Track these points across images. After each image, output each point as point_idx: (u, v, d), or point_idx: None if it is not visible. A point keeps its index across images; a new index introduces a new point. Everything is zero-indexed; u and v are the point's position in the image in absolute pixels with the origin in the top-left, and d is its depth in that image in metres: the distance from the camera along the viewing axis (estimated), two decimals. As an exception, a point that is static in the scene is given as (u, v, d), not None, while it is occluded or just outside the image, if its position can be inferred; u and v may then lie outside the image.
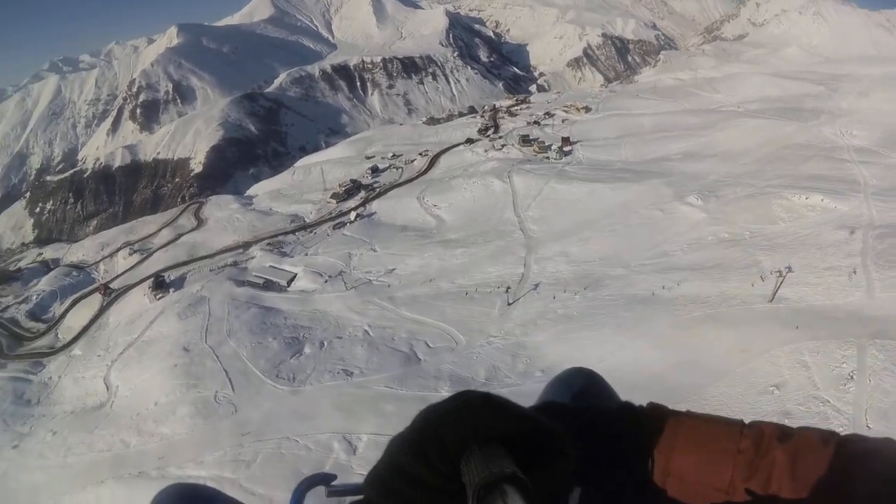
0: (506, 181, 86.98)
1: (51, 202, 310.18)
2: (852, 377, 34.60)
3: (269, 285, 73.00)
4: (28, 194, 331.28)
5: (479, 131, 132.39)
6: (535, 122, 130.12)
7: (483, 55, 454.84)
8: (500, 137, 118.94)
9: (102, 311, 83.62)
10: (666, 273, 55.95)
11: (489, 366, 45.88)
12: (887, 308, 41.53)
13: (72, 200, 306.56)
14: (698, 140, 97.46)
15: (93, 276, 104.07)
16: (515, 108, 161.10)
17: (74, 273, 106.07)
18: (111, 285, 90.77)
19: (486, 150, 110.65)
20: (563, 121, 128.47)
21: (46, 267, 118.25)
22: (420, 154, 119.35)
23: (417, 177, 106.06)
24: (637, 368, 38.08)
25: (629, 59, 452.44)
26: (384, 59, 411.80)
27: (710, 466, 1.45)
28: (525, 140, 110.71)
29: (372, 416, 42.23)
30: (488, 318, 54.46)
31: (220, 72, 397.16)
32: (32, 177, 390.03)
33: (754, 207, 66.31)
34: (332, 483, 1.92)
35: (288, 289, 71.78)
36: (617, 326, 46.36)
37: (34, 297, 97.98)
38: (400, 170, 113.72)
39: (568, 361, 44.16)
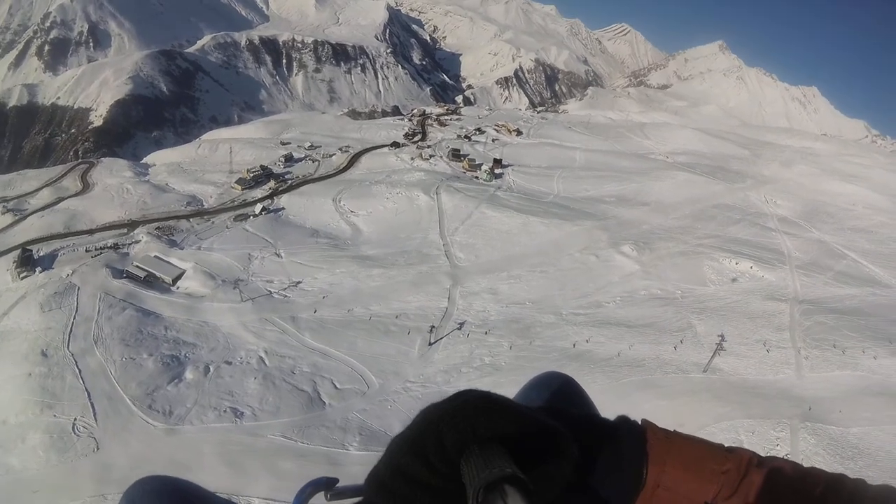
0: (433, 197, 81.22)
1: None
2: (786, 461, 34.19)
3: (150, 281, 63.31)
4: None
5: (406, 136, 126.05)
6: (466, 137, 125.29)
7: (416, 57, 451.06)
8: (429, 147, 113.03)
9: None
10: (599, 327, 53.07)
11: (406, 419, 38.43)
12: (815, 388, 42.48)
13: None
14: (631, 185, 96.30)
15: None
16: (446, 117, 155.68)
17: None
18: None
19: (412, 158, 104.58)
20: (493, 140, 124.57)
21: None
22: (340, 149, 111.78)
23: (335, 174, 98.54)
24: (567, 439, 33.49)
25: (556, 87, 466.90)
26: (315, 41, 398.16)
27: (698, 483, 1.58)
28: (456, 155, 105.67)
29: (265, 474, 35.50)
30: (406, 358, 48.67)
31: (142, 22, 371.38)
32: None
33: (686, 266, 65.53)
34: (334, 486, 1.97)
35: (173, 288, 62.23)
36: (548, 385, 41.78)
37: None
38: (316, 163, 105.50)
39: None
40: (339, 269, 64.37)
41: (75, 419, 42.12)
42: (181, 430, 40.35)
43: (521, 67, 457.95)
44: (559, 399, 2.28)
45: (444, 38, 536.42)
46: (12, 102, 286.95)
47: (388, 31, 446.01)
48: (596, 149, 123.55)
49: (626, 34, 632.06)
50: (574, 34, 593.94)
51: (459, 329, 52.52)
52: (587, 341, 49.76)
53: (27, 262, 69.56)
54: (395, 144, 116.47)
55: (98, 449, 39.24)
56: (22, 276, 67.12)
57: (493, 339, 50.69)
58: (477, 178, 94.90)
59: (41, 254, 72.57)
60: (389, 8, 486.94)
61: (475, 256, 67.30)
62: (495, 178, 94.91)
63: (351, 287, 60.81)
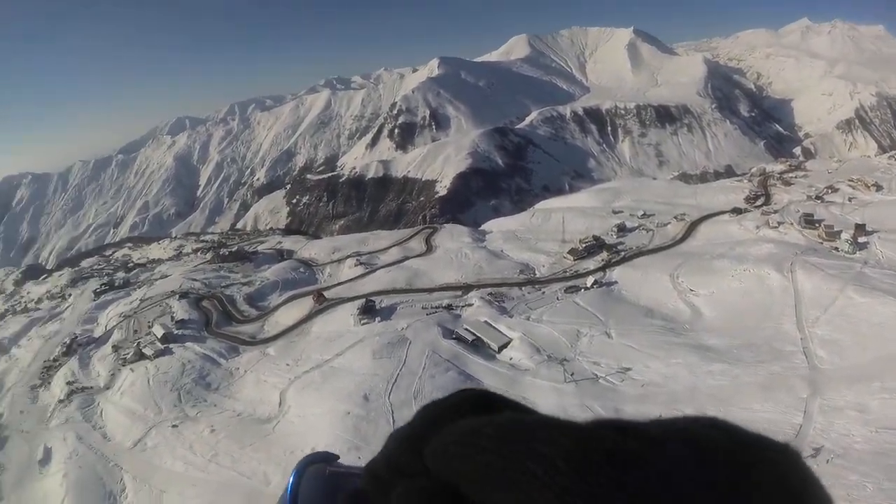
0: (787, 276, 67.31)
1: (307, 197, 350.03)
2: None
3: (477, 345, 64.50)
4: (289, 186, 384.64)
5: (747, 199, 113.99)
6: (817, 198, 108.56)
7: (743, 109, 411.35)
8: (775, 212, 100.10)
9: (310, 317, 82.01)
10: None
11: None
12: None
13: (325, 199, 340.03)
14: None
15: (317, 276, 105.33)
16: (789, 175, 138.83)
17: (301, 269, 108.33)
18: (326, 293, 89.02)
19: (757, 226, 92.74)
20: (849, 199, 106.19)
21: (280, 256, 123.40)
22: (675, 217, 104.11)
23: (671, 246, 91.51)
24: None
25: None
26: (637, 106, 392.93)
27: None
28: (808, 220, 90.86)
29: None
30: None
31: (475, 104, 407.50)
32: (295, 172, 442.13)
33: None
34: (334, 463, 2.01)
35: (497, 356, 62.22)
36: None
37: (257, 282, 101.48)
38: (650, 233, 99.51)
39: None
40: (675, 358, 56.02)
41: (374, 468, 43.94)
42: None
43: (861, 105, 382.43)
44: None
45: (770, 83, 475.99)
46: (370, 175, 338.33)
47: (709, 85, 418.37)
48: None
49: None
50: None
51: (814, 456, 41.16)
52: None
53: (369, 310, 77.74)
54: (736, 210, 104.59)
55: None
56: (362, 322, 75.15)
57: (854, 476, 38.17)
58: (836, 249, 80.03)
59: (382, 305, 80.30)
60: (707, 61, 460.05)
61: (839, 357, 52.66)
62: (859, 248, 79.24)
63: (687, 383, 52.13)
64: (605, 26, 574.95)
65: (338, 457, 1.99)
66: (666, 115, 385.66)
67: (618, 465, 0.94)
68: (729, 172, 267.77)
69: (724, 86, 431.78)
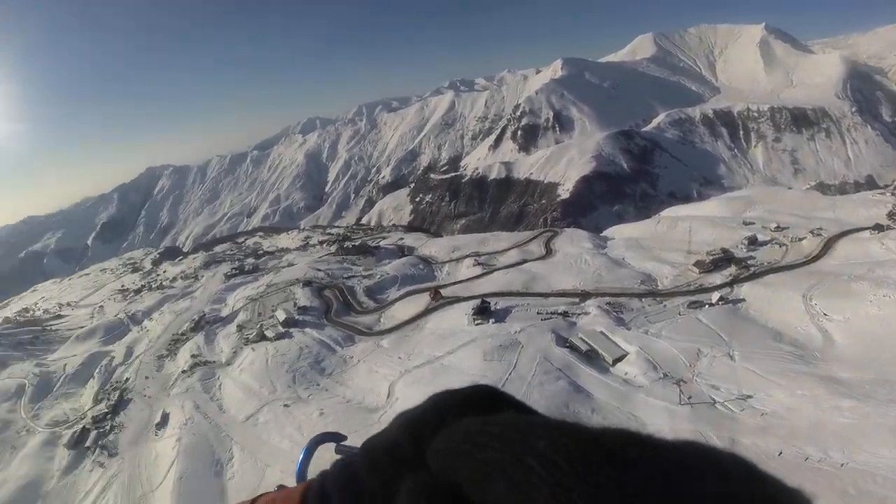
0: None
1: (430, 196, 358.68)
2: None
3: (591, 356, 61.96)
4: (413, 185, 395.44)
5: (889, 215, 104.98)
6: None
7: (885, 113, 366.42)
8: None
9: (425, 313, 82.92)
10: None
11: None
12: None
13: (447, 198, 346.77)
14: None
15: (435, 274, 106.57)
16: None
17: (420, 266, 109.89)
18: (443, 291, 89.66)
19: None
20: None
21: (401, 252, 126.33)
22: (811, 232, 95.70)
23: (805, 263, 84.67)
24: None
25: None
26: (772, 108, 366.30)
27: None
28: None
29: None
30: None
31: (599, 106, 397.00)
32: (419, 172, 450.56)
33: None
34: (342, 443, 2.10)
35: (611, 369, 59.44)
36: None
37: (377, 276, 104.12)
38: (784, 248, 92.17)
39: None
40: (801, 389, 49.85)
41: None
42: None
43: None
44: None
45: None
46: (492, 176, 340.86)
47: (847, 86, 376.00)
48: None
49: None
50: None
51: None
52: None
53: (483, 311, 77.15)
54: (878, 227, 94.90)
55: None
56: (476, 322, 74.93)
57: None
58: None
59: (497, 307, 79.21)
60: (845, 59, 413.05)
61: (981, 404, 44.85)
62: None
63: (811, 418, 45.56)
64: (733, 23, 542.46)
65: (345, 437, 2.12)
66: (802, 119, 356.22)
67: (618, 466, 0.95)
68: (870, 183, 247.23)
69: (864, 87, 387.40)
